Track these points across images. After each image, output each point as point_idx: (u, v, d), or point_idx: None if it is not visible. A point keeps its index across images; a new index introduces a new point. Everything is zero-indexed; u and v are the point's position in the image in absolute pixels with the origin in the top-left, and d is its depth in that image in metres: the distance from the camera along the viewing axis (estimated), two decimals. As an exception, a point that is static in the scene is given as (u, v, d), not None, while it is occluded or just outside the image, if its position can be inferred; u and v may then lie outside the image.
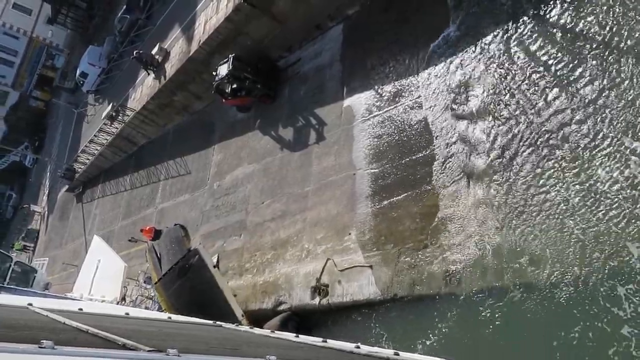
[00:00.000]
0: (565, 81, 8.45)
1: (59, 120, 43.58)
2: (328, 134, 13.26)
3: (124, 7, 29.00)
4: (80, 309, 4.59)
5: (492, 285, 8.30)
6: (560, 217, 7.81)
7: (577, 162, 7.87)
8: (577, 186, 7.75)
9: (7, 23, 53.20)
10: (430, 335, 8.88)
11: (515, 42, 9.54)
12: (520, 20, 9.57)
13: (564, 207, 7.81)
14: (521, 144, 8.72)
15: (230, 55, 15.60)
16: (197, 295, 11.78)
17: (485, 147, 9.29)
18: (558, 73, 8.62)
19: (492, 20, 10.12)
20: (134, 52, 22.29)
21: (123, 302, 13.47)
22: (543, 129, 8.47)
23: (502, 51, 9.73)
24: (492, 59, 9.87)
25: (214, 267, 12.73)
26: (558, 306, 7.40)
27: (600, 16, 8.32)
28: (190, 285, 12.04)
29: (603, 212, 7.35)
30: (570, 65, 8.48)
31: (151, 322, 4.57)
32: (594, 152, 7.72)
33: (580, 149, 7.88)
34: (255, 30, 15.82)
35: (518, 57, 9.39)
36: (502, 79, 9.50)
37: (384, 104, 11.92)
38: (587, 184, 7.64)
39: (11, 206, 51.43)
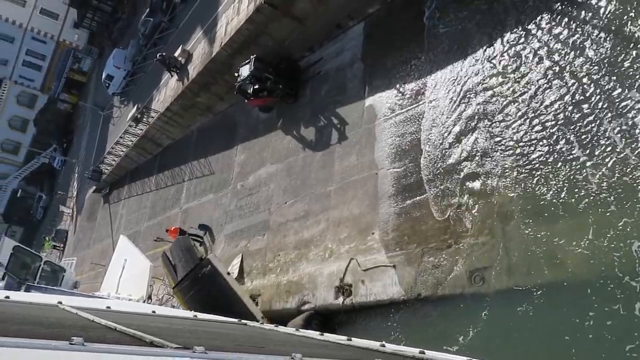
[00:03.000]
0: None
1: (86, 122, 44.53)
2: (350, 133, 13.24)
3: (147, 10, 29.46)
4: (108, 307, 4.66)
5: (519, 283, 8.18)
6: (583, 201, 7.65)
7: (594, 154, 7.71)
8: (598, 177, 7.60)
9: (35, 28, 54.60)
10: (456, 334, 8.80)
11: (536, 33, 9.38)
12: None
13: (586, 192, 7.66)
14: (546, 138, 8.57)
15: (251, 56, 15.69)
16: (214, 300, 11.88)
17: (507, 142, 9.15)
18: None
19: (515, 10, 9.96)
20: (157, 55, 22.60)
21: (149, 301, 13.68)
22: (566, 123, 8.31)
23: (531, 41, 9.58)
24: (521, 51, 9.71)
25: (228, 274, 12.84)
26: (589, 299, 7.26)
27: None
28: (206, 292, 12.15)
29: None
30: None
31: (177, 320, 4.63)
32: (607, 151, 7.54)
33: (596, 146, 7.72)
34: (276, 31, 15.88)
35: (538, 48, 9.23)
36: (530, 72, 9.34)
37: (406, 102, 11.84)
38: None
39: (41, 207, 52.65)
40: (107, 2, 42.96)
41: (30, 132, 57.43)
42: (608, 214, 7.42)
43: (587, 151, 7.93)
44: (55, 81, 54.56)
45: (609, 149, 7.67)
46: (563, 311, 7.53)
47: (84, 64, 53.06)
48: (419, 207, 10.44)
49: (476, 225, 9.18)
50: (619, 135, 7.60)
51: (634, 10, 8.01)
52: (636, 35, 7.86)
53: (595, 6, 8.59)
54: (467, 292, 8.92)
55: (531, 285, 8.01)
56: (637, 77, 7.65)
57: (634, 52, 7.79)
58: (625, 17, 8.10)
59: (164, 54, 22.35)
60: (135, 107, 27.54)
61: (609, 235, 7.33)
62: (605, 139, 7.76)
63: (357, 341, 3.47)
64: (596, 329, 7.03)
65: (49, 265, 16.51)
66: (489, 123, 9.69)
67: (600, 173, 7.67)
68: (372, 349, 3.21)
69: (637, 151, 7.33)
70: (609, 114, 7.82)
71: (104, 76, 33.77)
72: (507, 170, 9.02)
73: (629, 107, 7.62)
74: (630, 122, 7.53)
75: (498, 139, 9.40)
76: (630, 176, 7.32)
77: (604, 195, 7.54)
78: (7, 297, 4.38)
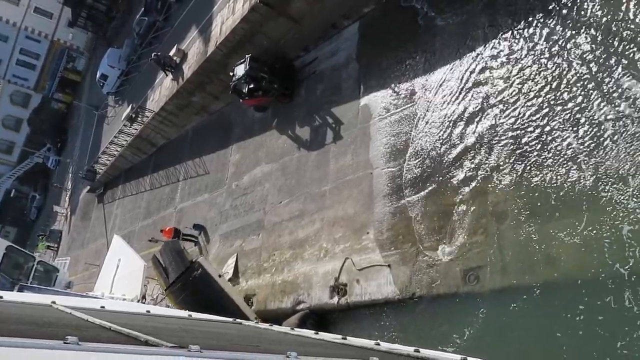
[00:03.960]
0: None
1: (80, 122, 44.30)
2: (345, 133, 13.25)
3: (142, 9, 29.35)
4: (103, 307, 4.65)
5: (513, 281, 8.22)
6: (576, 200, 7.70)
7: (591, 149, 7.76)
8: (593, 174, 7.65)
9: (29, 27, 54.31)
10: (451, 332, 8.83)
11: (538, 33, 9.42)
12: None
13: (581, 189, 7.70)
14: (544, 134, 8.61)
15: (246, 56, 15.67)
16: (207, 303, 11.84)
17: (503, 142, 9.18)
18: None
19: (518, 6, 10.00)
20: (152, 54, 22.53)
21: (144, 300, 13.62)
22: (561, 118, 8.35)
23: (529, 42, 9.61)
24: (516, 50, 9.75)
25: (220, 276, 12.82)
26: (581, 294, 7.30)
27: None
28: (198, 295, 12.13)
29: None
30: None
31: (172, 319, 4.62)
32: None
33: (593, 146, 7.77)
34: (272, 30, 15.87)
35: (535, 44, 9.27)
36: (521, 71, 9.38)
37: (401, 102, 11.87)
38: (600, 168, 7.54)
39: (35, 207, 52.30)
40: (101, 1, 42.75)
41: (24, 131, 57.08)
42: (600, 205, 7.50)
43: (580, 143, 7.98)
44: (50, 80, 54.23)
45: (601, 139, 7.73)
46: (557, 308, 7.57)
47: (78, 63, 52.85)
48: (414, 206, 10.46)
49: (470, 224, 9.21)
50: (610, 124, 7.68)
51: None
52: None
53: None
54: (462, 291, 8.95)
55: (525, 283, 8.05)
56: (628, 67, 7.71)
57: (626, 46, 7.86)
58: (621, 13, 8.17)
59: (158, 53, 22.27)
60: (130, 106, 27.44)
61: (601, 225, 7.41)
62: (598, 130, 7.82)
63: (352, 340, 3.48)
64: (587, 325, 7.09)
65: (42, 265, 16.40)
66: (484, 120, 9.72)
67: (592, 163, 7.73)
68: (367, 348, 3.22)
69: (626, 137, 7.41)
70: (601, 104, 7.88)
71: (98, 75, 33.62)
72: (501, 168, 9.06)
73: (620, 96, 7.69)
74: (620, 110, 7.60)
75: (493, 136, 9.44)
76: (622, 163, 7.39)
77: (596, 185, 7.61)
78: (0, 297, 4.37)
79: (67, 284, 17.63)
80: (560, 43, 8.90)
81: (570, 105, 8.37)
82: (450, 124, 10.40)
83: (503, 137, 9.25)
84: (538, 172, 8.46)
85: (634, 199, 7.14)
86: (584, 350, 7.05)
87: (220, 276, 12.93)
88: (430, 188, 10.26)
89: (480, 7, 10.66)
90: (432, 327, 9.34)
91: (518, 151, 8.89)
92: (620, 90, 7.75)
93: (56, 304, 4.19)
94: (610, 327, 6.88)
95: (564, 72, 8.66)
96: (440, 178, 10.12)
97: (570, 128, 8.23)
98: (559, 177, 8.14)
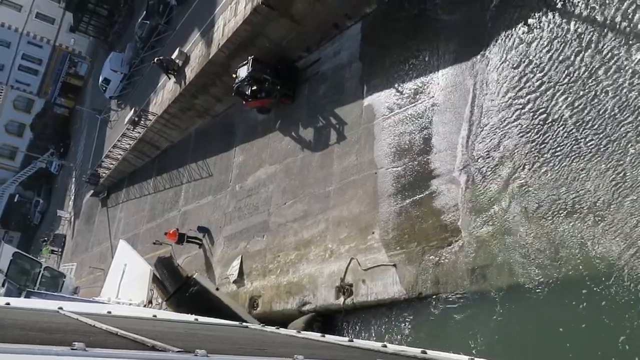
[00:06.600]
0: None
1: (83, 126, 44.43)
2: (348, 133, 13.23)
3: (144, 13, 29.39)
4: (109, 312, 4.66)
5: (520, 280, 8.18)
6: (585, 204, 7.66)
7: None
8: (604, 177, 7.60)
9: (31, 32, 54.56)
10: (458, 332, 8.80)
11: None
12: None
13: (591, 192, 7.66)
14: (552, 130, 8.57)
15: (249, 57, 15.68)
16: (208, 315, 11.82)
17: (509, 140, 9.14)
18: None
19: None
20: (155, 59, 22.55)
21: (150, 305, 13.63)
22: (570, 115, 8.32)
23: (537, 39, 9.57)
24: (521, 46, 9.71)
25: (217, 289, 12.81)
26: (594, 299, 7.26)
27: None
28: (198, 311, 12.11)
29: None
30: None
31: (178, 323, 4.62)
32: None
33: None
34: (274, 32, 15.87)
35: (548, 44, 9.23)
36: (526, 68, 9.34)
37: (405, 101, 11.84)
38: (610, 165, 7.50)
39: (39, 212, 52.45)
40: (103, 5, 42.78)
41: (27, 136, 57.23)
42: (603, 202, 7.45)
43: (581, 143, 7.93)
44: (52, 85, 54.36)
45: (610, 141, 7.68)
46: (563, 306, 7.54)
47: (81, 67, 53.02)
48: (419, 205, 10.43)
49: (476, 222, 9.17)
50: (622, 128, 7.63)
51: None
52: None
53: None
54: (469, 290, 8.91)
55: (532, 281, 8.01)
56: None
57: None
58: None
59: (161, 57, 22.29)
60: (133, 110, 27.47)
61: (605, 222, 7.37)
62: (609, 132, 7.78)
63: (358, 342, 3.46)
64: (591, 321, 7.06)
65: (49, 271, 16.43)
66: (489, 118, 9.68)
67: (597, 162, 7.69)
68: (373, 350, 3.21)
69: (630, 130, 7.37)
70: (611, 102, 7.84)
71: (100, 80, 33.68)
72: (507, 167, 9.02)
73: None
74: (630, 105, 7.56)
75: (500, 133, 9.40)
76: (625, 162, 7.34)
77: (601, 183, 7.57)
78: (8, 303, 4.37)
79: (74, 290, 17.68)
80: (575, 41, 8.86)
81: (580, 100, 8.33)
82: (455, 123, 10.36)
83: (510, 135, 9.20)
84: (544, 171, 8.42)
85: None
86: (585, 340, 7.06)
87: (217, 289, 12.93)
88: (435, 187, 10.23)
89: (484, 3, 10.62)
90: (439, 327, 9.31)
91: (523, 150, 8.85)
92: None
93: (63, 310, 4.20)
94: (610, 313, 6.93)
95: (571, 73, 8.61)
96: (446, 177, 10.08)
97: (577, 129, 8.18)
98: (564, 181, 8.09)
